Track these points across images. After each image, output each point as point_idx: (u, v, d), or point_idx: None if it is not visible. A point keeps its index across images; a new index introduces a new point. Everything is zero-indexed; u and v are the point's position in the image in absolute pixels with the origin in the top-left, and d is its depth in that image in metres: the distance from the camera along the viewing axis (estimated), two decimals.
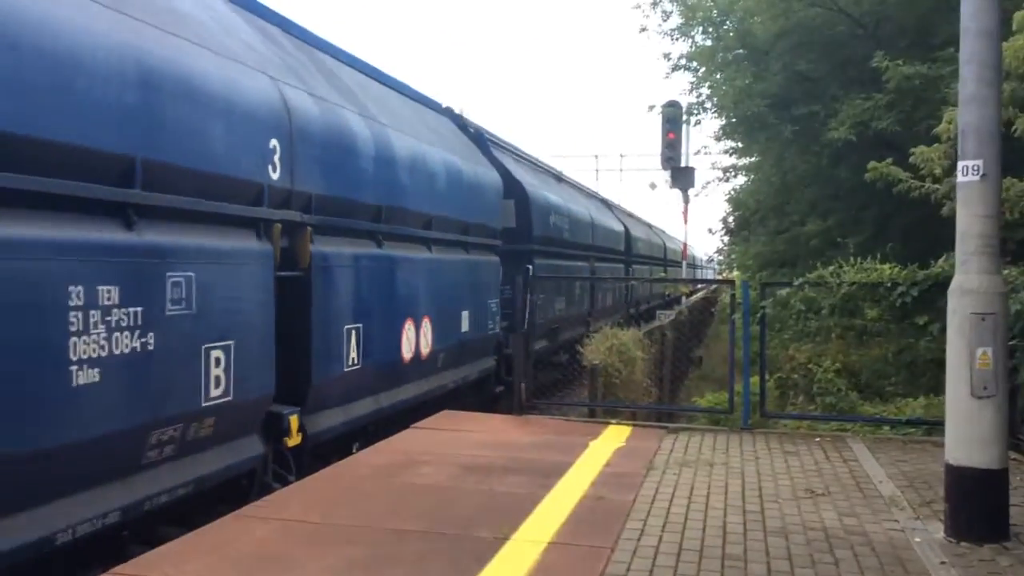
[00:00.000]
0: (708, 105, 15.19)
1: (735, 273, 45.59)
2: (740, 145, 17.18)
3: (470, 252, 11.49)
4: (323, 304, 7.53)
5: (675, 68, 16.13)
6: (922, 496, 6.65)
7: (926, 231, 13.16)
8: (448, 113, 13.33)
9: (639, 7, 15.40)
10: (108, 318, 5.00)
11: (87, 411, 4.88)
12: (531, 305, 9.69)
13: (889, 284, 8.87)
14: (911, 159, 9.59)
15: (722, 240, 34.49)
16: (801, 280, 9.11)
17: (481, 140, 13.83)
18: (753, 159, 19.89)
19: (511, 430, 8.87)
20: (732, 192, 25.49)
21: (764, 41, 13.78)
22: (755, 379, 9.71)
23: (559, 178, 20.59)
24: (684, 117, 15.46)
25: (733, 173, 26.63)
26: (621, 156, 58.35)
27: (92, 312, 4.88)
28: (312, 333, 7.38)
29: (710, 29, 14.86)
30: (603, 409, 9.90)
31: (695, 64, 15.34)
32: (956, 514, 5.48)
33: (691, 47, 15.40)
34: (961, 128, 5.55)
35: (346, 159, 8.09)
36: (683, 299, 29.54)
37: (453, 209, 10.67)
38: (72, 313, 4.75)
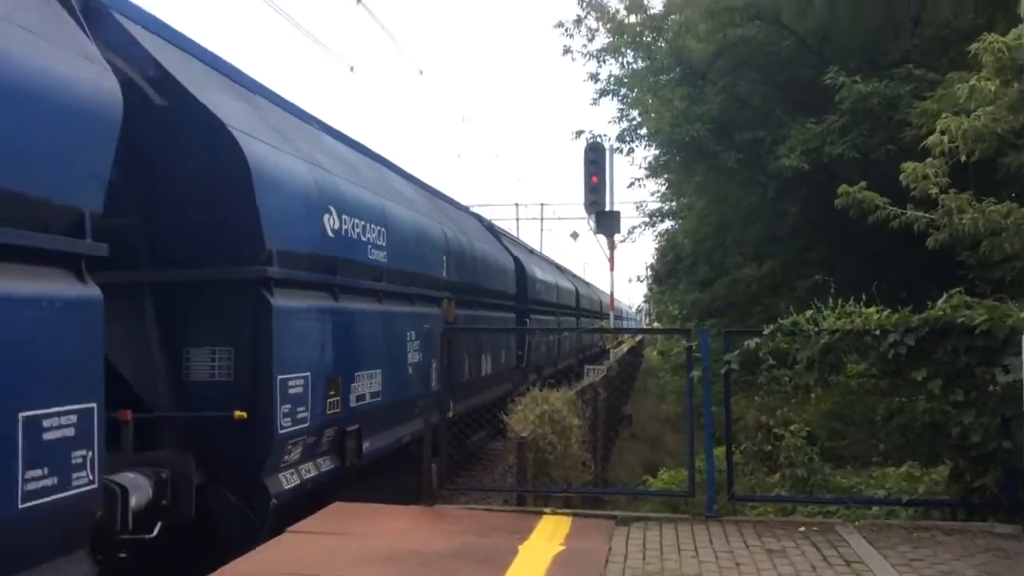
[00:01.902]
0: (641, 131, 13.64)
1: (656, 324, 44.51)
2: (673, 180, 15.64)
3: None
4: None
5: (603, 93, 14.60)
6: None
7: (899, 268, 11.75)
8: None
9: (562, 25, 13.84)
10: None
11: None
12: (448, 361, 7.74)
13: (878, 332, 7.21)
14: (902, 177, 8.04)
15: (649, 288, 33.20)
16: (772, 328, 7.37)
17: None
18: (686, 199, 18.45)
19: (417, 530, 6.82)
20: (662, 234, 24.16)
21: (701, 61, 12.30)
22: (718, 451, 7.91)
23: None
24: (615, 146, 13.98)
25: (661, 217, 25.35)
26: (542, 205, 57.19)
27: None
28: None
29: (640, 50, 13.36)
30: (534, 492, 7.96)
31: (625, 87, 13.79)
32: None
33: (621, 67, 13.89)
34: None
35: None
36: (610, 352, 27.79)
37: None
38: None
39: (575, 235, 55.88)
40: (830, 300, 7.52)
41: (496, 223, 21.80)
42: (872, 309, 7.38)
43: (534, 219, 58.25)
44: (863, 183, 8.91)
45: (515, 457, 7.84)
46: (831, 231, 13.43)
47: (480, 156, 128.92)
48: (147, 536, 5.66)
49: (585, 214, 31.02)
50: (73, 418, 4.59)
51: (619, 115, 14.30)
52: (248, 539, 6.34)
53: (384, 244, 9.30)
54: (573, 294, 29.74)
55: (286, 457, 6.89)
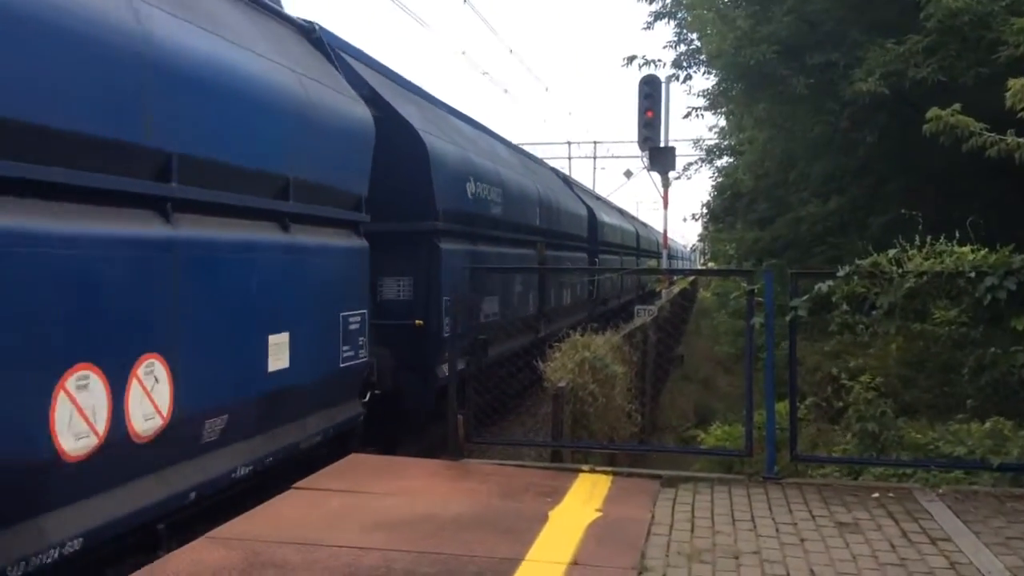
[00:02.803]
0: (700, 56, 12.46)
1: (711, 264, 43.06)
2: (734, 110, 14.43)
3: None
4: None
5: (658, 16, 13.39)
6: None
7: (989, 204, 10.59)
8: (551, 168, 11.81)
9: None
10: None
11: None
12: (469, 306, 6.98)
13: (973, 274, 6.24)
14: (1008, 95, 6.95)
15: (705, 227, 31.96)
16: (848, 269, 6.41)
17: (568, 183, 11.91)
18: (747, 133, 17.21)
19: (438, 488, 6.11)
20: (720, 171, 22.93)
21: None
22: (779, 405, 7.04)
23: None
24: (671, 74, 12.82)
25: (719, 153, 24.10)
26: (595, 143, 55.56)
27: None
28: None
29: None
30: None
31: (683, 7, 12.59)
32: None
33: None
34: None
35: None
36: (661, 293, 26.80)
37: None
38: None
39: (628, 173, 54.36)
40: (917, 239, 6.53)
41: (548, 162, 23.64)
42: (966, 248, 6.40)
43: (587, 157, 56.57)
44: (957, 105, 7.80)
45: (551, 408, 7.06)
46: (910, 164, 12.25)
47: (530, 90, 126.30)
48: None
49: (639, 151, 29.92)
50: (359, 317, 7.70)
51: (675, 39, 13.11)
52: (423, 404, 9.06)
53: (500, 201, 12.28)
54: (634, 235, 32.82)
55: (445, 354, 8.35)
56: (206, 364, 5.45)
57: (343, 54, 8.91)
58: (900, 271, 6.38)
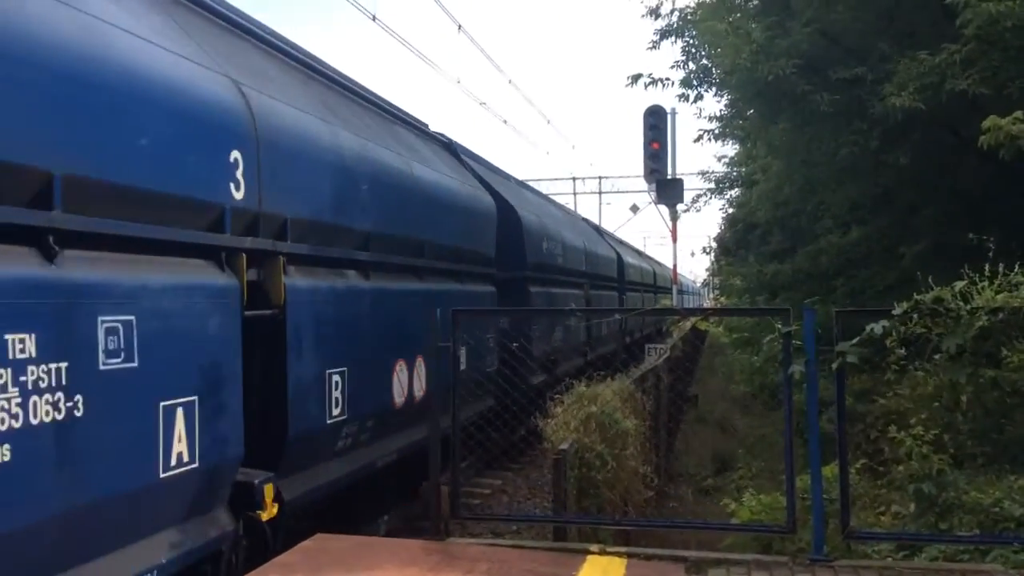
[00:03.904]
0: (712, 74, 11.44)
1: (723, 299, 41.96)
2: (748, 133, 13.37)
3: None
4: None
5: (664, 34, 12.39)
6: None
7: None
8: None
9: None
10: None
11: None
12: (452, 358, 5.90)
13: None
14: None
15: (716, 261, 30.89)
16: (907, 306, 5.32)
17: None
18: (760, 161, 16.17)
19: None
20: (731, 202, 21.91)
21: None
22: (827, 469, 5.91)
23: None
24: (680, 93, 11.80)
25: (730, 184, 23.09)
26: (600, 178, 54.75)
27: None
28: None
29: None
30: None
31: (691, 22, 11.60)
32: None
33: None
34: None
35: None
36: (672, 332, 25.64)
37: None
38: None
39: (635, 208, 53.56)
40: (986, 268, 5.44)
41: (554, 197, 27.19)
42: None
43: (592, 193, 55.74)
44: (1019, 113, 6.75)
45: (551, 475, 5.93)
46: (944, 188, 11.20)
47: (531, 122, 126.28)
48: None
49: (645, 185, 28.97)
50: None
51: (684, 58, 12.11)
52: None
53: (561, 253, 15.78)
54: (651, 274, 37.51)
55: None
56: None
57: (463, 156, 12.65)
58: (969, 307, 5.28)
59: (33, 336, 3.85)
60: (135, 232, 4.64)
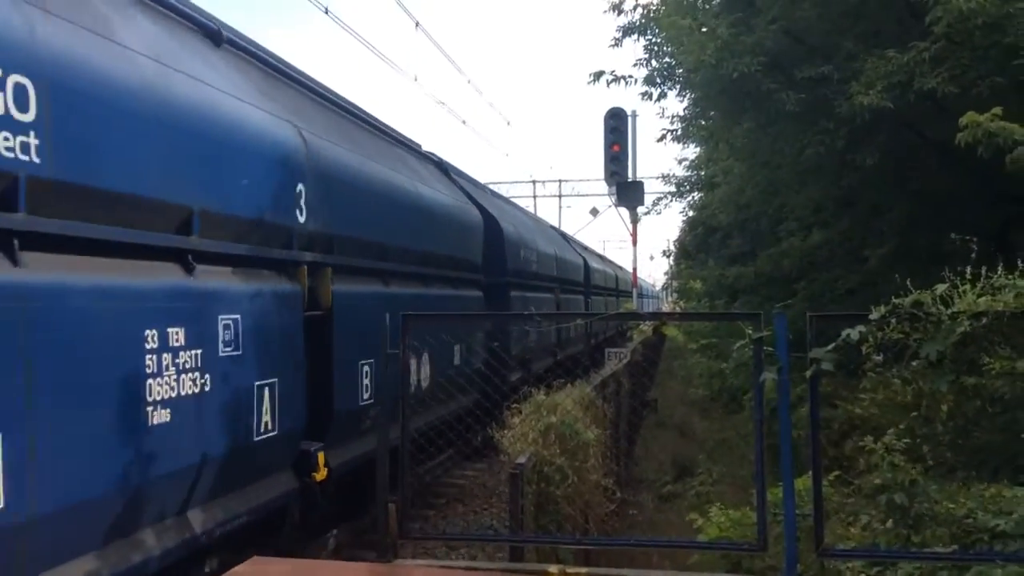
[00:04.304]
0: (677, 73, 11.12)
1: (681, 304, 41.87)
2: (712, 133, 13.10)
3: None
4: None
5: (626, 32, 12.06)
6: None
7: (1002, 233, 9.39)
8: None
9: None
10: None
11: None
12: (402, 363, 5.49)
13: None
14: None
15: (676, 264, 30.72)
16: (884, 310, 5.01)
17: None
18: (722, 163, 15.94)
19: None
20: (692, 205, 21.70)
21: None
22: (800, 481, 5.59)
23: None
24: (642, 91, 11.46)
25: (690, 188, 22.90)
26: (560, 182, 54.57)
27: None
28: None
29: None
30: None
31: (655, 18, 11.27)
32: None
33: None
34: None
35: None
36: (634, 335, 25.44)
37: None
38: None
39: (595, 211, 53.49)
40: (968, 270, 5.14)
41: (515, 200, 28.43)
42: None
43: (552, 196, 55.58)
44: (997, 109, 6.50)
45: (508, 491, 5.53)
46: (911, 190, 11.00)
47: (491, 123, 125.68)
48: None
49: (605, 189, 28.65)
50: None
51: (647, 56, 11.78)
52: None
53: (535, 260, 17.35)
54: (614, 278, 39.02)
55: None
56: None
57: (453, 174, 14.10)
58: (950, 312, 4.98)
59: (182, 330, 5.21)
60: (243, 251, 6.10)
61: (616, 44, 12.29)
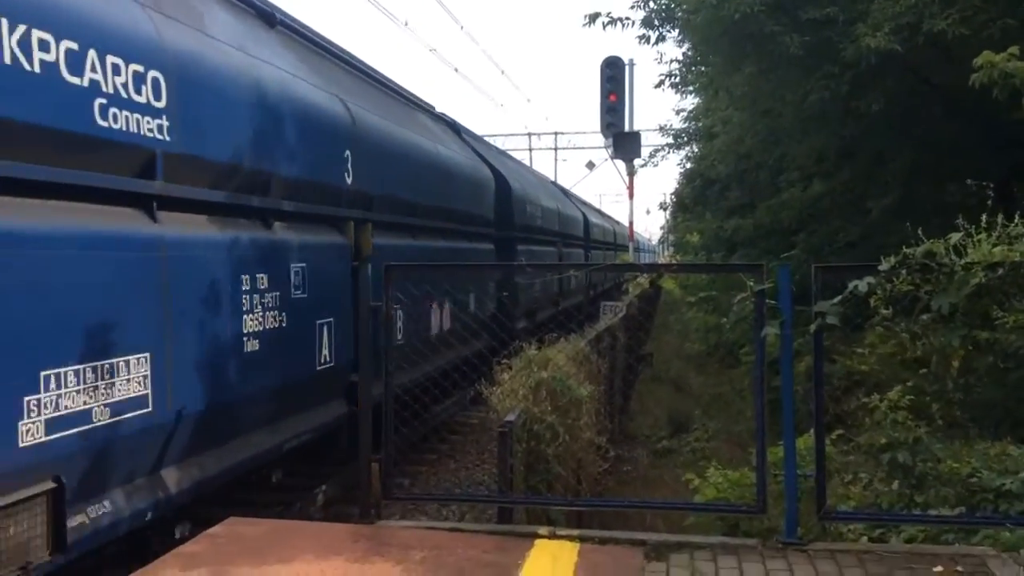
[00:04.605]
0: (676, 14, 10.67)
1: (678, 257, 41.42)
2: (711, 80, 12.62)
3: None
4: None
5: None
6: None
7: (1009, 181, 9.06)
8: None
9: None
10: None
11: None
12: (381, 318, 5.21)
13: None
14: None
15: (673, 217, 30.27)
16: (894, 261, 4.72)
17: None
18: (721, 112, 15.50)
19: (341, 574, 4.33)
20: (690, 157, 21.25)
21: None
22: (801, 440, 5.34)
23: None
24: (640, 34, 11.00)
25: (688, 139, 22.44)
26: (556, 134, 53.97)
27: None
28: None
29: None
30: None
31: None
32: None
33: None
34: None
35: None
36: (630, 288, 25.16)
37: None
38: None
39: (591, 165, 52.80)
40: (983, 219, 4.83)
41: (510, 152, 28.38)
42: None
43: (548, 149, 54.90)
44: (1014, 49, 6.15)
45: (496, 450, 5.27)
46: (916, 138, 10.65)
47: (483, 71, 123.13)
48: None
49: (602, 141, 28.28)
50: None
51: None
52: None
53: (540, 215, 18.21)
54: (612, 233, 40.46)
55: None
56: None
57: (464, 135, 14.93)
58: (964, 263, 4.69)
59: (266, 275, 6.24)
60: (308, 209, 7.15)
61: None
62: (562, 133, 75.63)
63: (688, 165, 24.32)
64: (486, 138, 22.75)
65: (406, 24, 38.84)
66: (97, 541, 4.63)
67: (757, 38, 9.73)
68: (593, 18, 10.96)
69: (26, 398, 4.12)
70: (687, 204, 24.40)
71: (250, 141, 6.15)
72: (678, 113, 25.34)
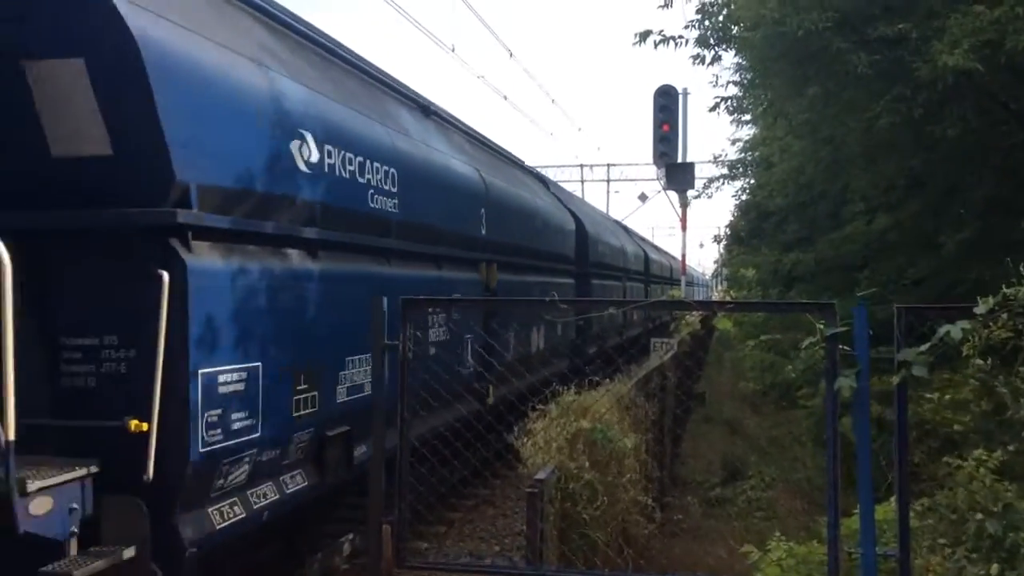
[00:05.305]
0: (732, 31, 10.01)
1: (732, 292, 40.30)
2: (771, 102, 11.91)
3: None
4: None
5: None
6: None
7: None
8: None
9: None
10: None
11: None
12: (400, 363, 4.62)
13: None
14: None
15: (727, 250, 29.34)
16: (992, 302, 3.99)
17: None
18: (780, 141, 14.74)
19: None
20: (745, 186, 20.47)
21: None
22: (882, 509, 4.61)
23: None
24: (694, 54, 10.35)
25: (744, 168, 21.64)
26: (608, 166, 53.33)
27: None
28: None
29: None
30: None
31: None
32: None
33: None
34: None
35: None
36: (678, 328, 24.25)
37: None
38: None
39: (644, 197, 52.05)
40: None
41: (562, 184, 28.31)
42: None
43: (600, 181, 54.34)
44: None
45: (526, 510, 4.61)
46: (993, 167, 9.82)
47: (532, 99, 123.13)
48: None
49: (654, 173, 27.42)
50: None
51: (699, 16, 10.66)
52: None
53: (608, 253, 20.91)
54: (668, 268, 42.45)
55: None
56: None
57: (550, 186, 17.07)
58: None
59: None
60: (462, 254, 9.71)
61: (666, 5, 11.21)
62: (615, 165, 74.94)
63: (743, 197, 23.50)
64: (539, 169, 22.47)
65: (453, 49, 38.46)
66: (363, 468, 6.25)
67: (821, 58, 9.03)
68: (644, 36, 10.35)
69: (340, 372, 6.40)
70: (742, 237, 23.57)
71: (434, 208, 8.42)
72: (733, 143, 24.55)
